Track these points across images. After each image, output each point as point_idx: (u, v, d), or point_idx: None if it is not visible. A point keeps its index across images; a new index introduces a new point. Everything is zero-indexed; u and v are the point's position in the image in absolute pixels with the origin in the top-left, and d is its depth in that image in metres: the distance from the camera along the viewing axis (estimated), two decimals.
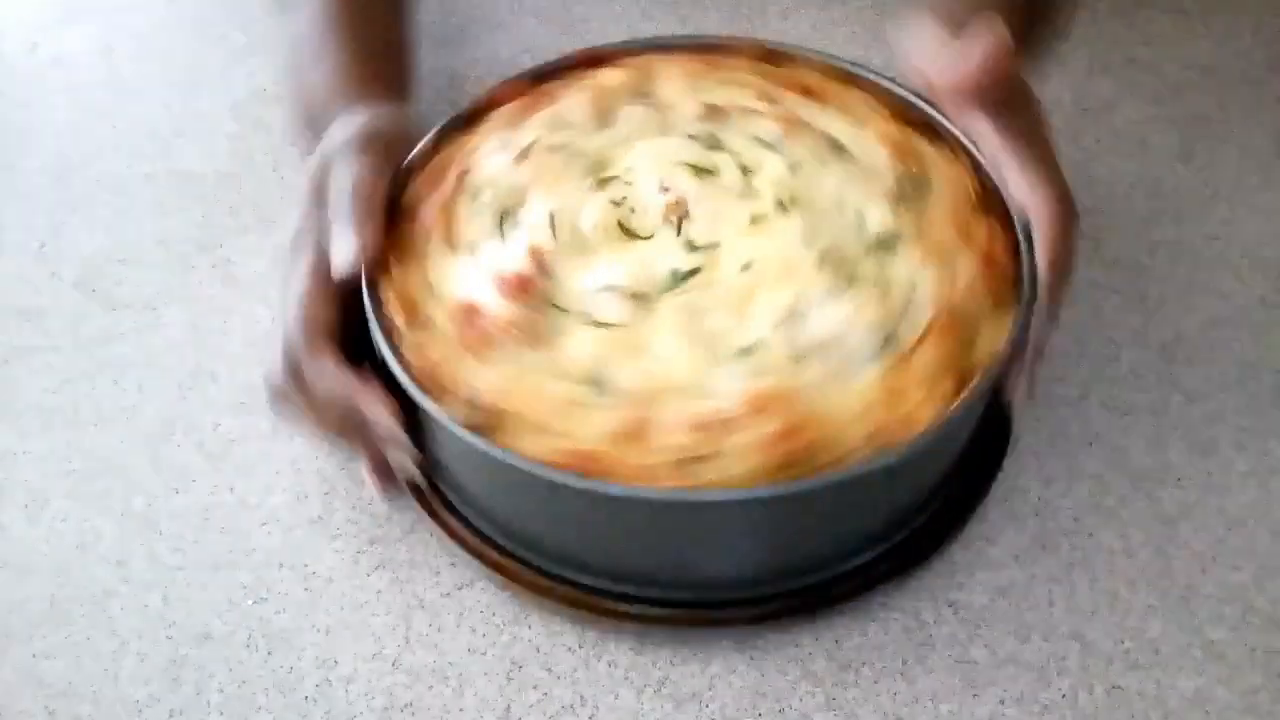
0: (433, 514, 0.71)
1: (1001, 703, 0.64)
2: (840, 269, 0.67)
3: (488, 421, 0.64)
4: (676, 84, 0.78)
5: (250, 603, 0.69)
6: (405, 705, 0.65)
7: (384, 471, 0.71)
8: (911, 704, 0.64)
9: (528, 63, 0.81)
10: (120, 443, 0.76)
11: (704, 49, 0.82)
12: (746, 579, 0.67)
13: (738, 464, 0.61)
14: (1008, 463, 0.73)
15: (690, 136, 0.75)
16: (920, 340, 0.65)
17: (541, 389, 0.64)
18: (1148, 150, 0.92)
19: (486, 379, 0.65)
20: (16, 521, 0.73)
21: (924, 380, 0.63)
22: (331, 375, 0.67)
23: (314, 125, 0.78)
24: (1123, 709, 0.64)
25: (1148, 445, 0.75)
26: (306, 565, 0.70)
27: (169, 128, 0.96)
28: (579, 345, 0.65)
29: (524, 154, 0.74)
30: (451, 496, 0.71)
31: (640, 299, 0.67)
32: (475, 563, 0.69)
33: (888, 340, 0.65)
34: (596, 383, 0.64)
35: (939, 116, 0.76)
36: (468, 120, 0.78)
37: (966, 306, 0.66)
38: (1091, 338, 0.80)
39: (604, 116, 0.77)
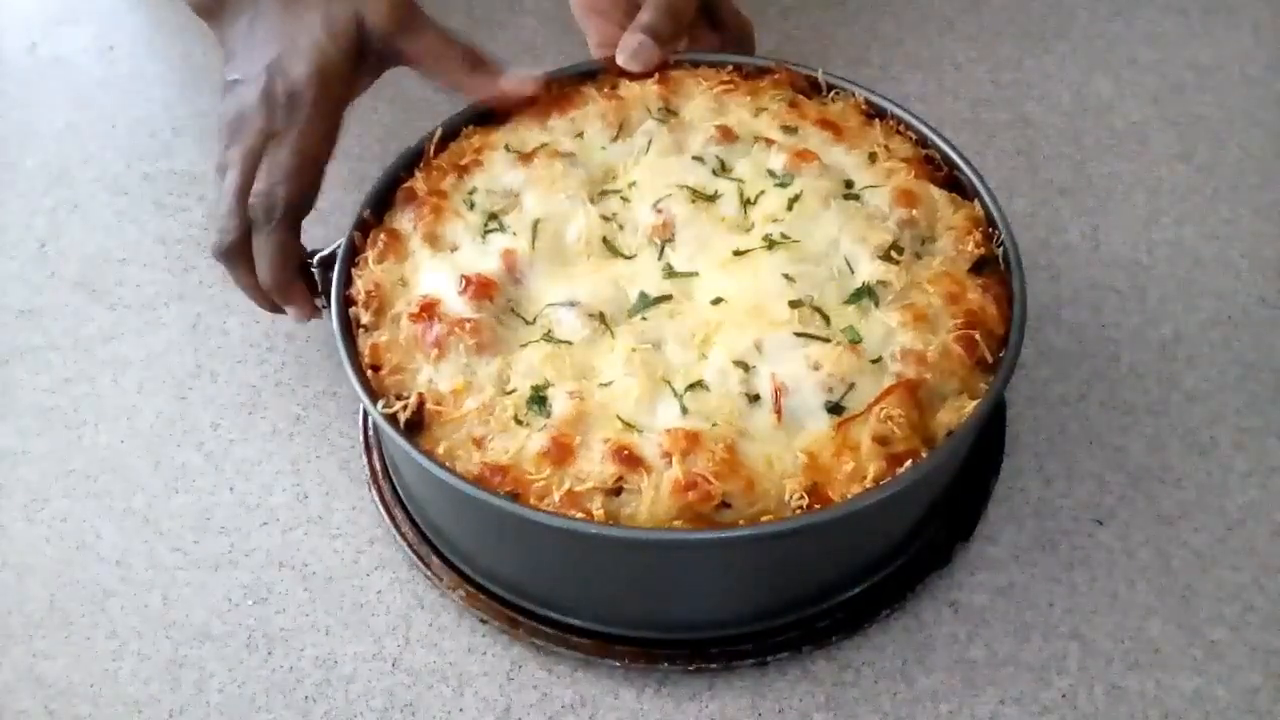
0: (401, 536, 0.71)
1: (1001, 703, 0.64)
2: (813, 316, 0.66)
3: (422, 423, 0.64)
4: (702, 103, 0.77)
5: (250, 603, 0.69)
6: (405, 705, 0.65)
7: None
8: (911, 704, 0.64)
9: (528, 63, 0.80)
10: (120, 443, 0.76)
11: (742, 69, 0.80)
12: (736, 617, 0.66)
13: (651, 502, 0.60)
14: (1008, 462, 0.73)
15: (700, 160, 0.74)
16: (879, 400, 0.62)
17: (479, 398, 0.64)
18: (1148, 150, 0.92)
19: (430, 380, 0.65)
20: (16, 521, 0.73)
21: (875, 441, 0.61)
22: (273, 253, 0.71)
23: None
24: (1123, 709, 0.64)
25: (1148, 445, 0.75)
26: (306, 565, 0.70)
27: (169, 128, 0.96)
28: (527, 359, 0.65)
29: (528, 157, 0.74)
30: (414, 514, 0.71)
31: (602, 319, 0.66)
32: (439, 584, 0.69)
33: (845, 396, 0.63)
34: (536, 400, 0.64)
35: (960, 161, 0.74)
36: (487, 116, 0.78)
37: (937, 371, 0.64)
38: (1091, 338, 0.80)
39: (622, 128, 0.76)
